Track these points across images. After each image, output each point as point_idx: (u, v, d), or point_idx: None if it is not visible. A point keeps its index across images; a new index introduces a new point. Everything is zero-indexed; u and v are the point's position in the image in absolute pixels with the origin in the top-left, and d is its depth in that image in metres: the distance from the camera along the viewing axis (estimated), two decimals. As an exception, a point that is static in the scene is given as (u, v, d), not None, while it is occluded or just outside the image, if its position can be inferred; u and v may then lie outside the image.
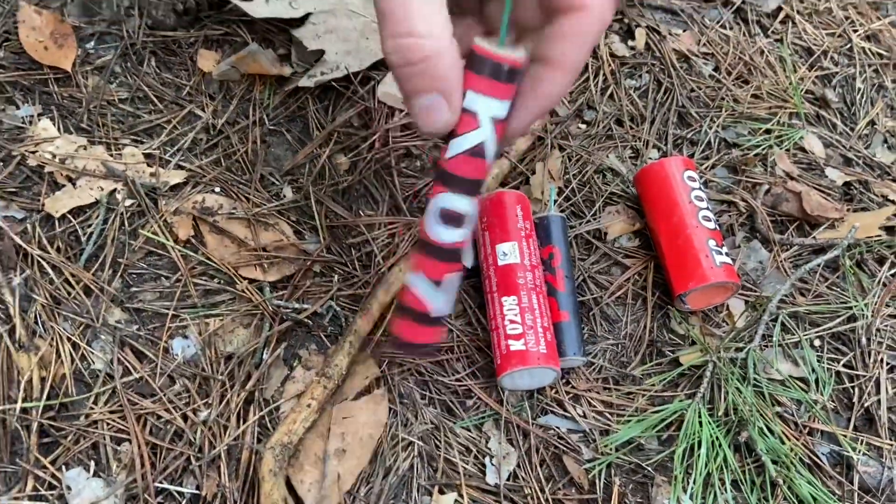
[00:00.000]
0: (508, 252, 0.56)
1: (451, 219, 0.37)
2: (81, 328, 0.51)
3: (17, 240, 0.53)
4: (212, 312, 0.53)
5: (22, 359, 0.49)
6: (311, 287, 0.56)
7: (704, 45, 0.79)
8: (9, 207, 0.54)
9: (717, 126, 0.72)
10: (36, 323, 0.50)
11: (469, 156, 0.35)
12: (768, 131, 0.73)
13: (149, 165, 0.59)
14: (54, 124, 0.58)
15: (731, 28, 0.81)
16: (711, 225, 0.60)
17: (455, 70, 0.33)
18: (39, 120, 0.58)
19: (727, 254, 0.59)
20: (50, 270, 0.52)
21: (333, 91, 0.67)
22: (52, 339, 0.50)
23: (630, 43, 0.77)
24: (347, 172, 0.63)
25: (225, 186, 0.59)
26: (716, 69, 0.77)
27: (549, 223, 0.60)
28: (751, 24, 0.82)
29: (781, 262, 0.64)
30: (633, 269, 0.62)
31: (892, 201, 0.69)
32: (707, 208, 0.61)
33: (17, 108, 0.59)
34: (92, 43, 0.64)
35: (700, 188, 0.62)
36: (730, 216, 0.67)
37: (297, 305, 0.54)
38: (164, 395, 0.50)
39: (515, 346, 0.52)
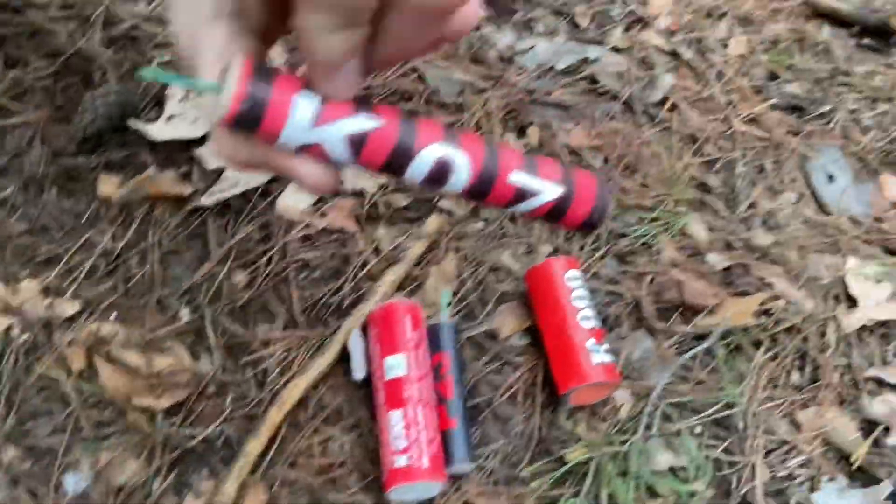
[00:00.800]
0: (396, 365, 0.59)
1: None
2: (-30, 472, 0.52)
3: None
4: (103, 445, 0.55)
5: None
6: (205, 410, 0.58)
7: (595, 137, 0.84)
8: None
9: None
10: (-76, 470, 0.51)
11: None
12: (655, 219, 0.78)
13: (45, 297, 0.60)
14: (-50, 263, 0.60)
15: (619, 120, 0.86)
16: (591, 324, 0.63)
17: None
18: (-65, 259, 0.60)
19: (607, 351, 0.62)
20: (-60, 414, 0.53)
21: (233, 207, 0.69)
22: (-60, 485, 0.51)
23: (523, 140, 0.82)
24: (246, 288, 0.65)
25: (121, 312, 0.61)
26: (605, 161, 0.82)
27: (439, 330, 0.63)
28: (638, 114, 0.87)
29: (665, 350, 0.68)
30: (523, 367, 0.65)
31: (769, 284, 0.74)
32: (588, 307, 0.64)
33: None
34: (-7, 178, 0.66)
35: (582, 287, 0.65)
36: (617, 307, 0.71)
37: (188, 432, 0.56)
38: (53, 536, 0.51)
39: (400, 461, 0.54)
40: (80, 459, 0.54)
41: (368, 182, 0.74)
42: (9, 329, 0.58)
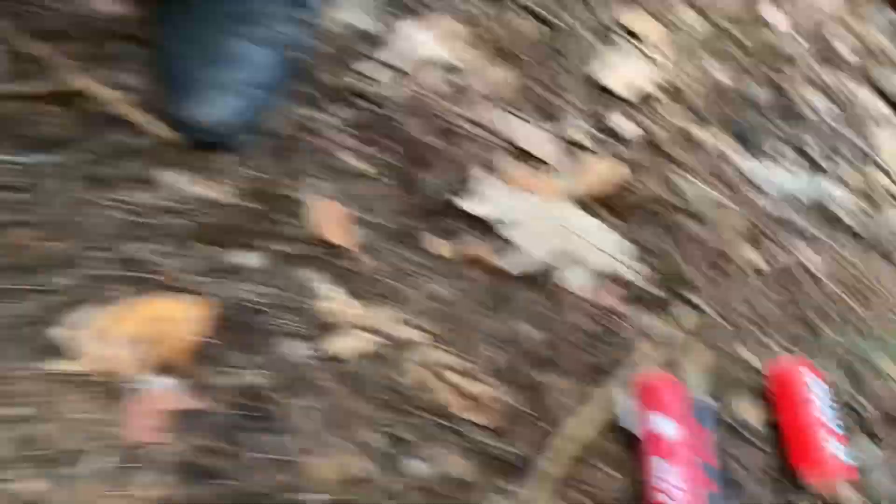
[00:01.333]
0: (666, 426, 0.72)
1: None
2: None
3: (313, 374, 0.74)
4: (447, 439, 0.72)
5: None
6: (509, 433, 0.74)
7: (829, 263, 0.95)
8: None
9: (839, 333, 0.87)
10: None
11: None
12: (884, 342, 0.87)
13: (397, 323, 0.80)
14: (337, 290, 0.81)
15: (852, 250, 0.97)
16: (832, 425, 0.74)
17: None
18: (326, 286, 0.81)
19: (846, 452, 0.72)
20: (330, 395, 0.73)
21: (531, 278, 0.87)
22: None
23: (760, 253, 0.94)
24: (548, 346, 0.82)
25: (449, 347, 0.79)
26: (838, 285, 0.93)
27: (699, 407, 0.76)
28: (870, 247, 0.98)
29: (894, 462, 0.77)
30: (766, 452, 0.77)
31: None
32: (830, 408, 0.75)
33: (308, 276, 0.82)
34: (365, 229, 0.87)
35: (821, 391, 0.76)
36: (845, 413, 0.80)
37: (503, 446, 0.72)
38: None
39: (671, 505, 0.67)
40: (421, 450, 0.71)
41: (629, 272, 0.89)
42: (370, 343, 0.78)
